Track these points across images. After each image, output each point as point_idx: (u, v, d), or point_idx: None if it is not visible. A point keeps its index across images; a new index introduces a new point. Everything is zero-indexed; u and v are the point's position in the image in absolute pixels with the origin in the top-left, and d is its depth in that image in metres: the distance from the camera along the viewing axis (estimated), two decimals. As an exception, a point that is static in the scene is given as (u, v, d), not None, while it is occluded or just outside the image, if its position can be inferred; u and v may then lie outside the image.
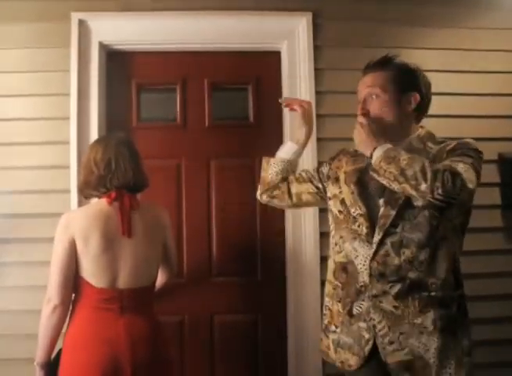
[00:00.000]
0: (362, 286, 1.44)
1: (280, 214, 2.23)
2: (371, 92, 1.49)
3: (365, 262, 1.43)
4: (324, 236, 2.09)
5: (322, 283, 2.09)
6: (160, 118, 2.32)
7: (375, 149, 1.38)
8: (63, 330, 1.56)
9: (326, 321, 1.57)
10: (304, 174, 1.72)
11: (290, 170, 1.72)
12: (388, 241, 1.41)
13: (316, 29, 2.25)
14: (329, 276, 1.57)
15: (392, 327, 1.40)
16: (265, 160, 1.76)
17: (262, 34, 2.25)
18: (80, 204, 2.04)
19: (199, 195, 2.26)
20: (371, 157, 1.39)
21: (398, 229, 1.41)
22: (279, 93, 2.28)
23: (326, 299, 1.58)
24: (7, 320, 1.90)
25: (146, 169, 1.71)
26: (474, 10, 2.33)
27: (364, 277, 1.43)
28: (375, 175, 1.39)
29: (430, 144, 1.46)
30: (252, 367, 2.23)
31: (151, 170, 2.22)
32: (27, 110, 2.15)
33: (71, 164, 2.11)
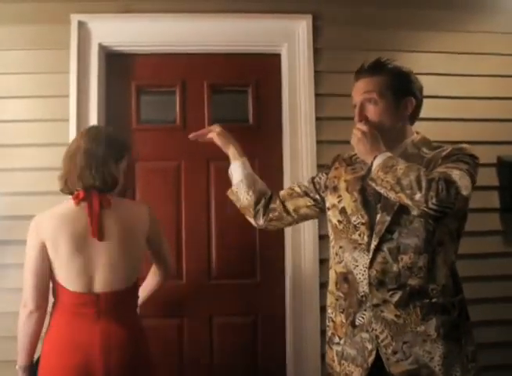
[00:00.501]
0: (362, 296, 1.42)
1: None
2: (368, 97, 1.46)
3: (364, 271, 1.42)
4: (323, 238, 2.09)
5: (322, 286, 2.11)
6: (159, 120, 2.32)
7: (375, 157, 1.36)
8: (43, 334, 1.56)
9: (329, 333, 1.54)
10: (297, 189, 1.69)
11: (252, 181, 1.71)
12: (385, 247, 1.40)
13: (316, 32, 2.25)
14: (331, 286, 1.55)
15: (395, 336, 1.38)
16: (229, 194, 1.75)
17: (262, 37, 2.25)
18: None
19: (198, 197, 2.26)
20: (371, 164, 1.38)
21: (395, 236, 1.39)
22: (279, 96, 2.29)
23: (329, 310, 1.55)
24: (6, 322, 1.90)
25: (119, 168, 1.63)
26: (473, 14, 2.34)
27: (364, 287, 1.42)
28: (373, 185, 1.37)
29: (425, 149, 1.45)
30: (251, 369, 2.23)
31: (150, 172, 2.27)
32: (27, 111, 2.14)
33: (71, 165, 2.10)
